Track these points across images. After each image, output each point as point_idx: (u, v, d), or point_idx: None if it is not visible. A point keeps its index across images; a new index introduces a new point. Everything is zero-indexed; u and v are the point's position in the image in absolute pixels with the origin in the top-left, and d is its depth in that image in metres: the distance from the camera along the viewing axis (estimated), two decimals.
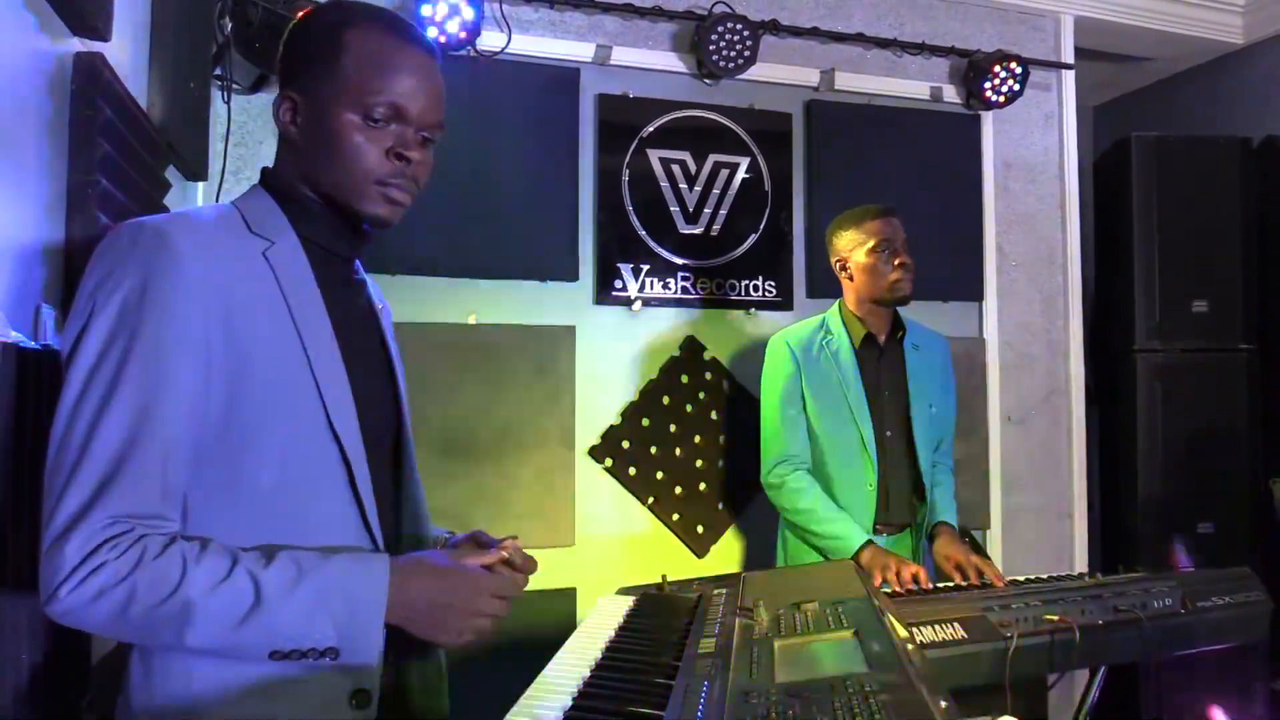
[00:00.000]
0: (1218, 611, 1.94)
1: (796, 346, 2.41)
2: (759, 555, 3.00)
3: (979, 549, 2.83)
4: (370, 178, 1.12)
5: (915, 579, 2.05)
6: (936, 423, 2.44)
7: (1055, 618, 1.73)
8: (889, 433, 2.37)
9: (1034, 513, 3.48)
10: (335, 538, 1.09)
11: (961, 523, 2.54)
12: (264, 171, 1.21)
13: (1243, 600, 1.98)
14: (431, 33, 2.61)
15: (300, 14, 1.21)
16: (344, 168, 1.12)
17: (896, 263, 2.31)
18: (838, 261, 2.43)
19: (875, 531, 2.31)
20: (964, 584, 2.10)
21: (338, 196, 1.15)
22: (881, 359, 2.41)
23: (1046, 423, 3.53)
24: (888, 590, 2.00)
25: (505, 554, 1.18)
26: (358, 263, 1.28)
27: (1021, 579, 2.13)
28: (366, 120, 1.11)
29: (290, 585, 0.99)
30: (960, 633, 1.64)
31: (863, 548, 2.16)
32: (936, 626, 1.63)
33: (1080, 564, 3.48)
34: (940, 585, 2.08)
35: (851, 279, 2.40)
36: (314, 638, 1.00)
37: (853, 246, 2.37)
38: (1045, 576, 2.16)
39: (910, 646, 1.17)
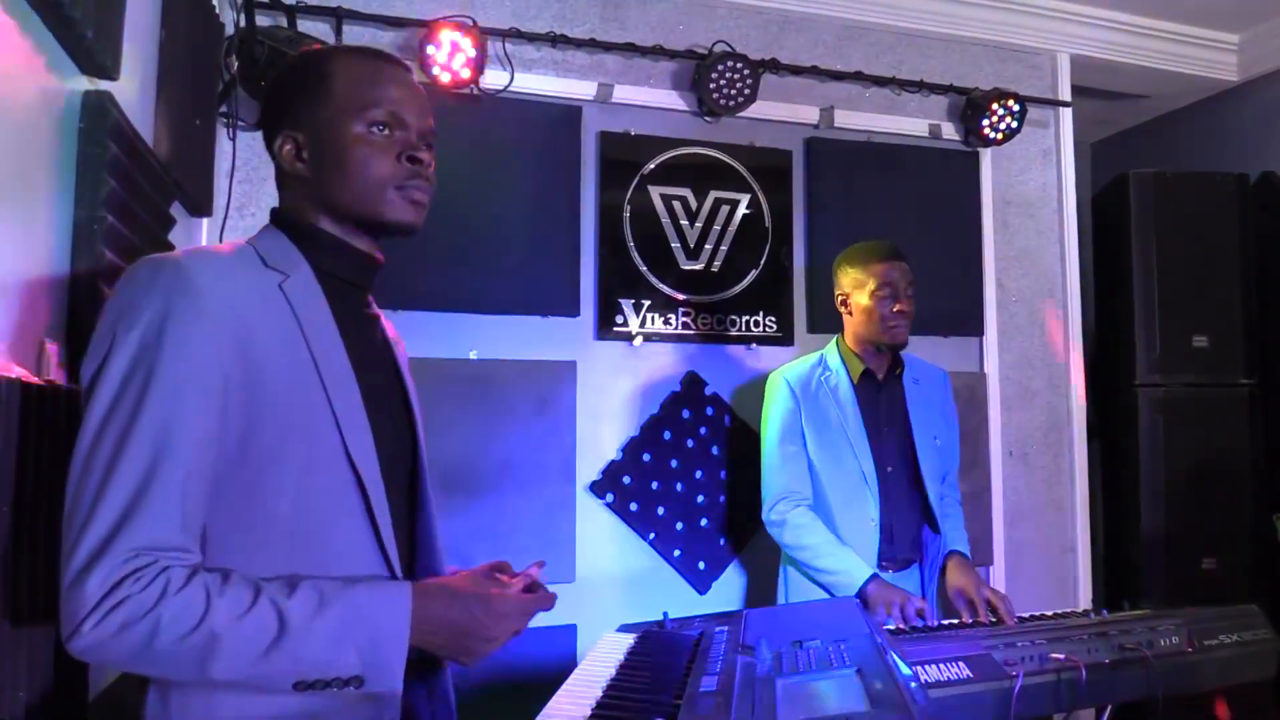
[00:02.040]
0: (1225, 650, 1.92)
1: (795, 383, 2.40)
2: (761, 591, 2.98)
3: None
4: (387, 184, 1.16)
5: (920, 615, 2.04)
6: (941, 455, 2.43)
7: (1061, 656, 1.71)
8: (890, 468, 2.35)
9: (1037, 547, 3.46)
10: (353, 566, 1.10)
11: None
12: (273, 212, 1.23)
13: (1250, 638, 1.96)
14: (435, 71, 2.65)
15: (281, 66, 1.26)
16: (361, 180, 1.16)
17: (896, 309, 2.30)
18: (840, 296, 2.42)
19: (880, 567, 2.29)
20: (970, 621, 2.08)
21: (360, 211, 1.17)
22: (881, 394, 2.40)
23: (1048, 457, 3.52)
24: (891, 627, 1.98)
25: (530, 579, 1.20)
26: (371, 299, 1.30)
27: (1026, 615, 2.12)
28: (370, 130, 1.16)
29: (314, 614, 1.00)
30: (965, 671, 1.62)
31: (868, 582, 2.14)
32: (941, 665, 1.61)
33: (1084, 599, 3.45)
34: (945, 622, 2.06)
35: (851, 315, 2.40)
36: (338, 667, 1.00)
37: (855, 286, 2.36)
38: (1050, 614, 2.14)
39: (914, 685, 1.16)
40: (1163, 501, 3.36)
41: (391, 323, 1.37)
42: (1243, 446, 3.42)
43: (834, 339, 2.48)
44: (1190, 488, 3.36)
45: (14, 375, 1.08)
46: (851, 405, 2.36)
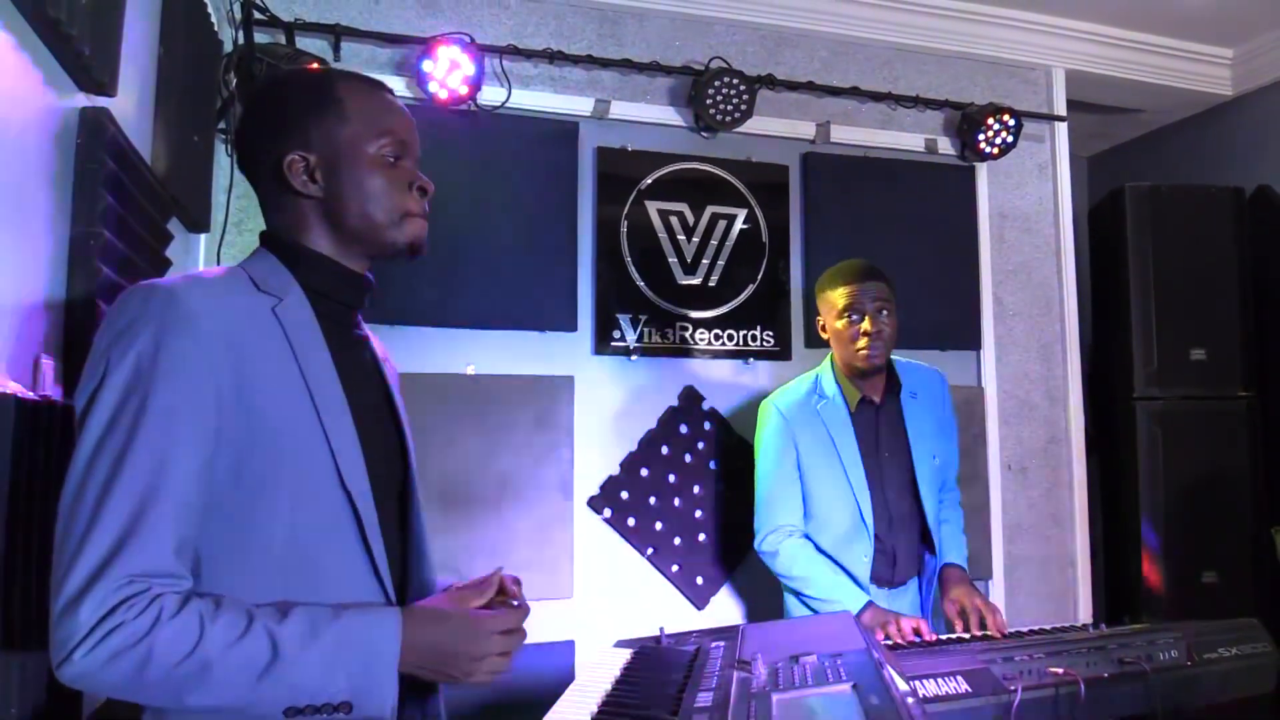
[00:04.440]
0: (1224, 664, 1.90)
1: (788, 411, 2.33)
2: (758, 607, 2.97)
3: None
4: (399, 211, 1.21)
5: (917, 632, 2.03)
6: (940, 472, 2.40)
7: (1060, 670, 1.70)
8: (892, 495, 2.31)
9: (1036, 562, 3.45)
10: (347, 589, 1.10)
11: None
12: (263, 235, 1.23)
13: (1249, 652, 1.95)
14: (433, 88, 2.67)
15: (270, 84, 1.26)
16: (378, 205, 1.19)
17: (862, 329, 2.23)
18: (819, 322, 2.38)
19: (878, 585, 2.27)
20: (966, 636, 2.08)
21: (375, 236, 1.20)
22: (880, 418, 2.34)
23: (1047, 471, 3.51)
24: (889, 642, 1.97)
25: (493, 589, 1.20)
26: (359, 318, 1.30)
27: (1025, 630, 2.11)
28: (385, 159, 1.20)
29: (305, 640, 1.00)
30: (963, 686, 1.61)
31: (863, 610, 2.12)
32: (939, 680, 1.60)
33: (1084, 613, 3.44)
34: (943, 638, 2.05)
35: (830, 341, 2.34)
36: (328, 692, 1.00)
37: (827, 310, 2.31)
38: (1049, 628, 2.13)
39: (910, 700, 1.15)
40: (1162, 515, 3.36)
41: (381, 340, 1.38)
42: (1241, 459, 3.41)
43: (826, 360, 2.41)
44: (1189, 501, 3.36)
45: (9, 390, 1.09)
46: (849, 436, 2.29)
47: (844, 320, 2.26)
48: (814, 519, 2.31)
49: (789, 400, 2.36)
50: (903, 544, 2.32)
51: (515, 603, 1.21)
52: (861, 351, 2.24)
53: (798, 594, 2.28)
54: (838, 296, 2.27)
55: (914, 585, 2.37)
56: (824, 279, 2.35)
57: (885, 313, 2.26)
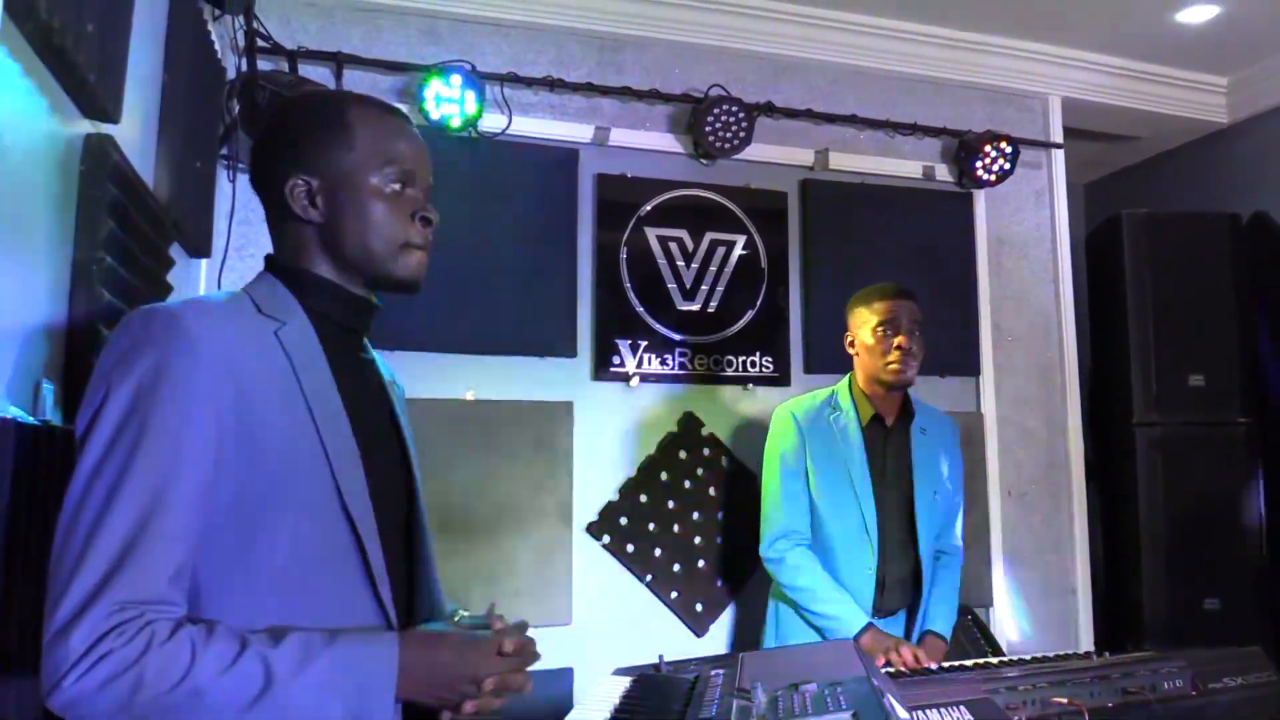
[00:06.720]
0: (1230, 693, 1.88)
1: (803, 418, 2.36)
2: (759, 634, 2.95)
3: (982, 628, 2.78)
4: (398, 241, 1.18)
5: (916, 660, 2.01)
6: (939, 510, 2.39)
7: (1063, 700, 1.69)
8: (890, 521, 2.31)
9: (1037, 588, 3.43)
10: (349, 615, 1.08)
11: (964, 601, 2.50)
12: (268, 259, 1.22)
13: (1255, 681, 1.93)
14: (434, 115, 2.69)
15: (284, 103, 1.26)
16: (377, 235, 1.17)
17: (896, 343, 2.27)
18: (848, 338, 2.40)
19: (873, 614, 2.26)
20: (969, 664, 2.06)
21: (371, 266, 1.18)
22: (889, 441, 2.36)
23: (1046, 497, 3.50)
24: (890, 670, 1.96)
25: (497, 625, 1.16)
26: (367, 342, 1.29)
27: (1028, 658, 2.09)
28: (388, 187, 1.18)
29: (299, 666, 0.98)
30: (965, 716, 1.59)
31: (863, 630, 2.11)
32: (940, 710, 1.59)
33: (1086, 640, 3.42)
34: (945, 665, 2.03)
35: (858, 355, 2.37)
36: (324, 718, 0.98)
37: (860, 325, 2.35)
38: (1051, 655, 2.11)
39: None
40: (1163, 541, 3.34)
41: (389, 364, 1.37)
42: (1241, 485, 3.41)
43: (846, 377, 2.44)
44: (1190, 527, 3.34)
45: (9, 415, 1.08)
46: (859, 449, 2.32)
47: (879, 333, 2.29)
48: (820, 530, 2.32)
49: (804, 408, 2.39)
50: (893, 571, 2.31)
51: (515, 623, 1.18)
52: (893, 365, 2.28)
53: (797, 605, 2.26)
54: (875, 311, 2.32)
55: (903, 617, 2.35)
56: (860, 295, 2.40)
57: (916, 332, 2.31)
